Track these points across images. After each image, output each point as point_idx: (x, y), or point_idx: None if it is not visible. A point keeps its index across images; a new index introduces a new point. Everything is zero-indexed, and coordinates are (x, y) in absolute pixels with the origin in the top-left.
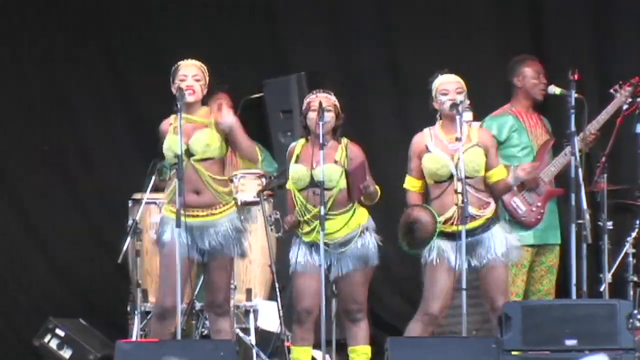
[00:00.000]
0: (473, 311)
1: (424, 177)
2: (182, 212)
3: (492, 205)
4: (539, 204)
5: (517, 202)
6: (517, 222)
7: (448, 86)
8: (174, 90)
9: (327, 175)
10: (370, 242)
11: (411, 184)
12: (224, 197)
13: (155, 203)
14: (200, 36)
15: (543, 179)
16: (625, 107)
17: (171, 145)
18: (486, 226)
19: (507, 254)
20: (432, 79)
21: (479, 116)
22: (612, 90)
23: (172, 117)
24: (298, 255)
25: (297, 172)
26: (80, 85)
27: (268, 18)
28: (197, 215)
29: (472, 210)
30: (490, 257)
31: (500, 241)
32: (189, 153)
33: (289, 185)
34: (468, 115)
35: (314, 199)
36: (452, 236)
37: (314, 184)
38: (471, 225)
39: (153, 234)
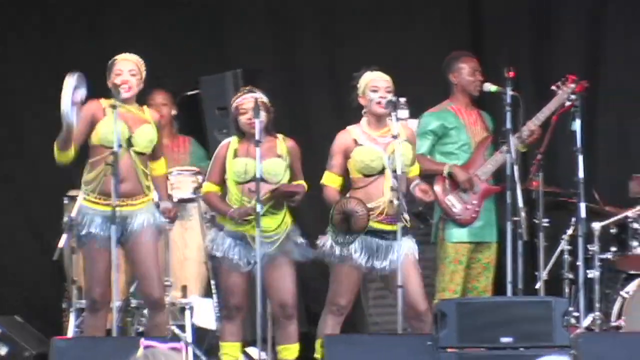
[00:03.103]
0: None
1: (345, 174)
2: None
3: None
4: (475, 201)
5: (452, 200)
6: (452, 220)
7: (378, 83)
8: (109, 85)
9: (272, 169)
10: (299, 240)
11: (331, 180)
12: (146, 189)
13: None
14: (139, 31)
15: (480, 176)
16: (567, 103)
17: (115, 129)
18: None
19: (413, 253)
20: (359, 75)
21: (417, 113)
22: (554, 87)
23: (102, 100)
24: (221, 247)
25: (241, 165)
26: (18, 78)
27: (206, 14)
28: (118, 205)
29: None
30: (401, 262)
31: (409, 247)
32: (129, 142)
33: (209, 187)
34: (404, 113)
35: (250, 194)
36: (370, 232)
37: (255, 179)
38: (391, 227)
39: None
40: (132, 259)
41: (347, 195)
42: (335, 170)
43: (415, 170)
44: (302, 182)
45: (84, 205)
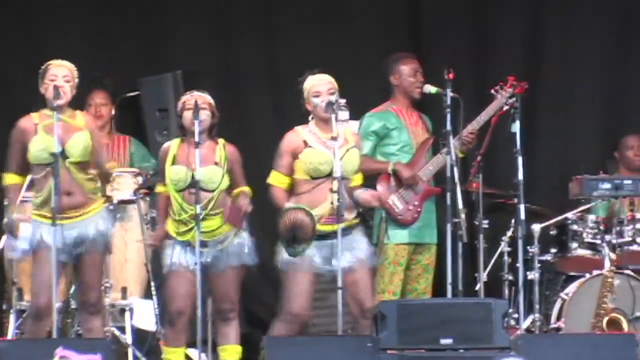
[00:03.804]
0: (345, 310)
1: (292, 174)
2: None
3: (354, 211)
4: (416, 202)
5: (394, 200)
6: (393, 220)
7: (320, 88)
8: (42, 90)
9: (209, 177)
10: (246, 242)
11: (278, 180)
12: (94, 194)
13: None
14: (76, 33)
15: (421, 177)
16: (506, 107)
17: (47, 145)
18: (350, 229)
19: (368, 258)
20: (302, 79)
21: (357, 115)
22: (492, 91)
23: (35, 115)
24: (172, 255)
25: (178, 173)
26: None
27: (145, 15)
28: (70, 217)
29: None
30: (355, 259)
31: (364, 244)
32: (63, 155)
33: (159, 188)
34: (344, 115)
35: (191, 199)
36: (320, 236)
37: (194, 184)
38: (332, 227)
39: (20, 241)
40: (77, 266)
41: (292, 201)
42: (282, 170)
43: (357, 180)
44: (244, 188)
45: (36, 220)
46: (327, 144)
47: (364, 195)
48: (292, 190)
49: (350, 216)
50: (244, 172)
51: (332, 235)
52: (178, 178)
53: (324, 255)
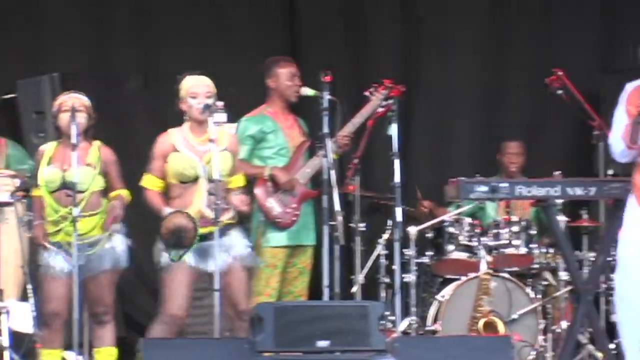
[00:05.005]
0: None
1: (166, 177)
2: None
3: (232, 212)
4: (294, 205)
5: (272, 203)
6: (271, 223)
7: (198, 89)
8: None
9: (79, 178)
10: (119, 244)
11: (152, 183)
12: None
13: None
14: None
15: (299, 180)
16: (380, 109)
17: None
18: (227, 230)
19: (245, 258)
20: (180, 78)
21: (234, 117)
22: (367, 93)
23: None
24: (47, 258)
25: (51, 174)
26: None
27: (23, 18)
28: None
29: (210, 214)
30: (229, 261)
31: (239, 245)
32: None
33: (35, 191)
34: (221, 117)
35: (65, 200)
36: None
37: (65, 186)
38: (209, 229)
39: None
40: None
41: (167, 207)
42: (156, 174)
43: (236, 181)
44: (121, 191)
45: None
46: (196, 149)
47: (234, 200)
48: (166, 193)
49: (225, 217)
50: (122, 174)
51: (207, 236)
52: (50, 179)
53: (199, 255)
